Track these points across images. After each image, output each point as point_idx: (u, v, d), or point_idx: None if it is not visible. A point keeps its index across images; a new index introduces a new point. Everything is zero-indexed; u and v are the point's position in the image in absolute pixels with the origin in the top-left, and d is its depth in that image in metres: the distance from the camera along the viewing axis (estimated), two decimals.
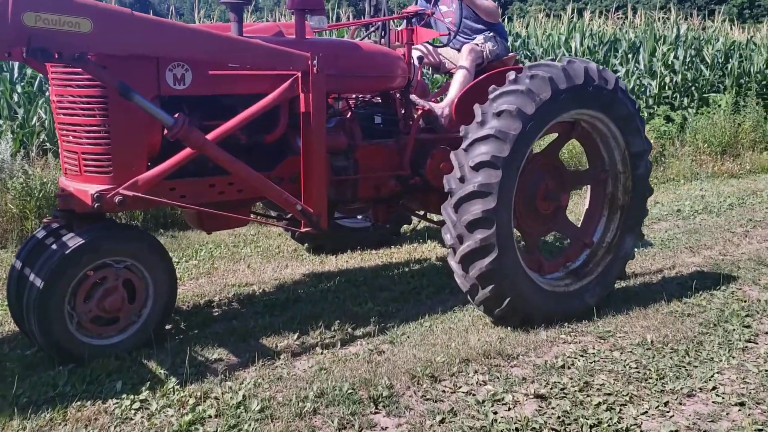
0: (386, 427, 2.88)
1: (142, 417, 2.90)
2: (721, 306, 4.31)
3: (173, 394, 3.06)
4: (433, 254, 5.54)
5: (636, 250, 4.72)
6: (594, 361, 3.50)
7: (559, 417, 2.95)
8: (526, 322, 3.88)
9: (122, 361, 3.35)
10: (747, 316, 4.15)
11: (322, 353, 3.58)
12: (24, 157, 6.41)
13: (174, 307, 3.71)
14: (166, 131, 3.30)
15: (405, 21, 4.51)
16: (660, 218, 6.81)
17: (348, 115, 4.32)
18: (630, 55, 11.54)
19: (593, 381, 3.27)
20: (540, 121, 3.78)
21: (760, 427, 2.89)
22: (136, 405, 2.97)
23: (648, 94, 10.89)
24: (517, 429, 2.85)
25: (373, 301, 4.38)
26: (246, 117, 3.47)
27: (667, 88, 11.12)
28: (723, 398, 3.15)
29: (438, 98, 5.16)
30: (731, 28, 14.74)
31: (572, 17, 12.46)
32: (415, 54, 4.64)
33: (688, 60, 11.48)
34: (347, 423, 2.88)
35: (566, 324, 3.95)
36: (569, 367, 3.43)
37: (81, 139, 3.35)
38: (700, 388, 3.24)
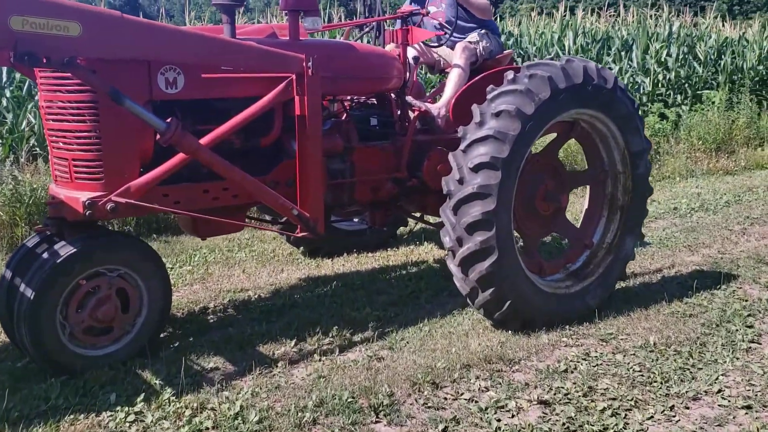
0: None
1: (137, 430, 2.83)
2: (722, 306, 4.27)
3: (169, 406, 2.99)
4: (430, 256, 5.48)
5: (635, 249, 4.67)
6: (597, 365, 3.45)
7: (564, 424, 2.89)
8: (527, 326, 3.82)
9: (116, 372, 3.27)
10: (749, 315, 4.11)
11: (320, 360, 3.52)
12: (13, 162, 6.31)
13: (169, 315, 3.64)
14: (158, 136, 3.23)
15: (400, 21, 4.45)
16: (657, 216, 6.77)
17: (343, 118, 4.26)
18: (623, 53, 11.52)
19: (597, 385, 3.22)
20: (539, 121, 3.73)
21: None
22: (131, 417, 2.90)
23: (642, 91, 10.87)
24: None
25: (371, 305, 4.32)
26: (240, 121, 3.40)
27: (660, 85, 11.10)
28: (729, 401, 3.11)
29: (433, 99, 5.10)
30: (723, 25, 14.75)
31: (564, 15, 12.43)
32: (411, 54, 4.58)
33: (681, 57, 11.47)
34: None
35: (567, 327, 3.89)
36: (572, 372, 3.38)
37: (71, 145, 3.28)
38: (706, 391, 3.20)
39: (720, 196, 7.67)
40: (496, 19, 11.34)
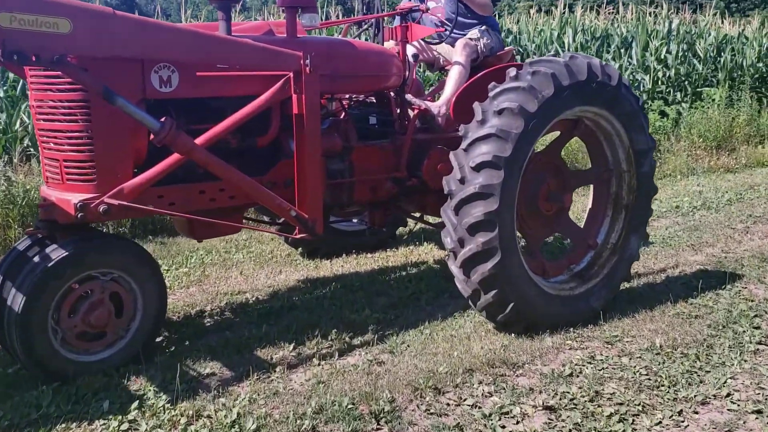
0: None
1: None
2: (728, 306, 4.19)
3: (163, 414, 2.90)
4: (430, 257, 5.40)
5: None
6: (603, 368, 3.37)
7: (570, 430, 2.82)
8: (531, 328, 3.74)
9: (110, 379, 3.19)
10: (756, 316, 4.04)
11: (319, 365, 3.43)
12: (7, 163, 6.21)
13: (164, 319, 3.55)
14: (152, 136, 3.14)
15: (399, 18, 4.36)
16: (659, 215, 6.70)
17: (342, 116, 4.18)
18: (622, 50, 11.46)
19: (603, 390, 3.14)
20: (543, 118, 3.65)
21: None
22: (125, 426, 2.82)
23: (642, 89, 10.81)
24: None
25: (370, 307, 4.24)
26: (236, 120, 3.31)
27: (660, 82, 11.04)
28: (738, 405, 3.04)
29: (433, 97, 5.02)
30: (722, 22, 14.69)
31: (563, 12, 12.36)
32: (410, 51, 4.50)
33: (680, 54, 11.41)
34: None
35: (572, 329, 3.81)
36: (577, 376, 3.30)
37: (62, 145, 3.19)
38: (714, 395, 3.12)
39: (722, 194, 7.61)
40: (495, 16, 11.28)
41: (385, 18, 5.01)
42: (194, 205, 3.48)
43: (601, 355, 3.53)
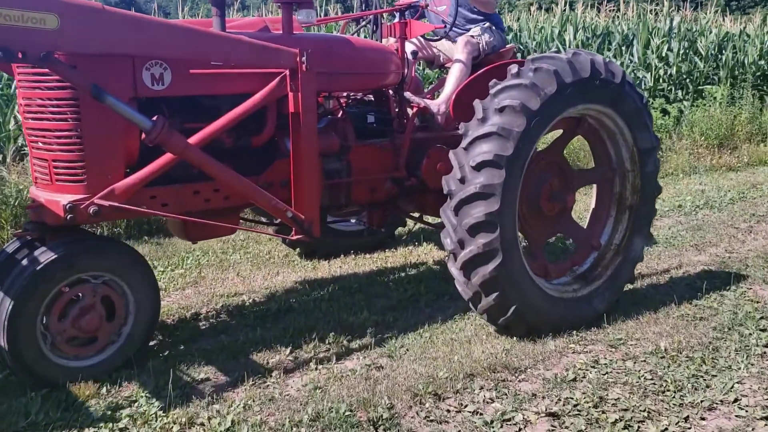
0: None
1: None
2: (733, 308, 4.11)
3: (156, 421, 2.83)
4: (429, 258, 5.32)
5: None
6: (607, 373, 3.29)
7: None
8: (533, 332, 3.66)
9: (100, 385, 3.10)
10: (762, 318, 3.96)
11: (316, 369, 3.35)
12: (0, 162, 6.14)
13: (157, 324, 3.47)
14: (144, 135, 3.06)
15: (398, 14, 4.28)
16: (662, 215, 6.61)
17: (340, 115, 4.10)
18: (623, 48, 11.37)
19: (607, 395, 3.06)
20: (545, 117, 3.56)
21: None
22: None
23: (643, 87, 10.73)
24: None
25: (369, 309, 4.15)
26: (231, 119, 3.23)
27: (661, 80, 10.96)
28: (746, 411, 2.96)
29: (432, 94, 4.94)
30: (723, 20, 14.60)
31: (564, 10, 12.28)
32: (409, 48, 4.42)
33: (682, 52, 11.32)
34: None
35: (575, 332, 3.73)
36: (581, 381, 3.21)
37: (51, 145, 3.10)
38: (721, 401, 3.04)
39: (724, 193, 7.52)
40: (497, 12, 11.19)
41: (384, 14, 4.93)
42: (188, 206, 3.40)
43: (605, 359, 3.45)
